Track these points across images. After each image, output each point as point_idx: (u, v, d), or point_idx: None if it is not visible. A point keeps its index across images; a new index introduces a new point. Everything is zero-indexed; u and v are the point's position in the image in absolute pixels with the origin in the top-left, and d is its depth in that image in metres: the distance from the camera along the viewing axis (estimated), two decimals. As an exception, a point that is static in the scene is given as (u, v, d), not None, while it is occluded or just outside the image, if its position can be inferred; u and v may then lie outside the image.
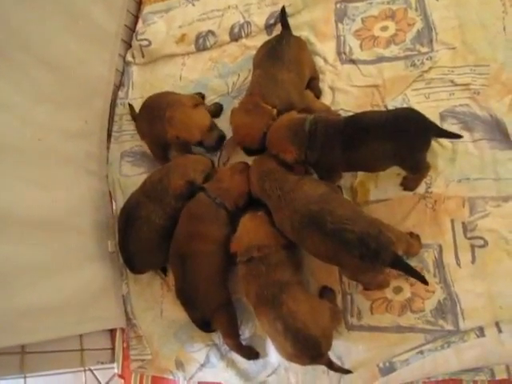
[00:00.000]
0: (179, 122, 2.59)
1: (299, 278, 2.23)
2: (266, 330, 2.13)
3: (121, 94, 3.20)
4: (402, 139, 2.05)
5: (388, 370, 2.16)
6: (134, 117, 2.99)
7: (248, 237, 2.27)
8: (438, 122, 2.34)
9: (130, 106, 3.07)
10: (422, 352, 2.12)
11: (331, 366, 2.03)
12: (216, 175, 2.50)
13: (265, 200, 2.26)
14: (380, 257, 1.90)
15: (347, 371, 2.09)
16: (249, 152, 2.52)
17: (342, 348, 2.28)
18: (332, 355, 2.16)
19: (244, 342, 2.43)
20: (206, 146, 2.69)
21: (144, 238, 2.49)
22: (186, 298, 2.36)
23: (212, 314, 2.33)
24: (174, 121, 2.59)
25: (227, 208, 2.40)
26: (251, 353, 2.40)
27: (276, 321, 2.01)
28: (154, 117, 2.68)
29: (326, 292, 2.32)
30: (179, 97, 2.73)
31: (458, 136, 2.15)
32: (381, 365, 2.18)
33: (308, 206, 2.06)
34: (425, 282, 1.97)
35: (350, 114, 2.48)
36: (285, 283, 2.10)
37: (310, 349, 1.97)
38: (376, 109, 2.49)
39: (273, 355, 2.39)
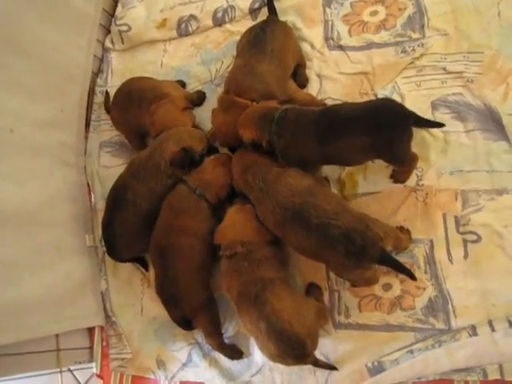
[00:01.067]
0: (162, 120, 2.49)
1: (284, 274, 2.15)
2: (249, 328, 2.05)
3: (99, 81, 3.09)
4: (380, 132, 1.96)
5: (377, 369, 2.08)
6: (108, 108, 2.88)
7: (233, 230, 2.20)
8: (429, 111, 2.28)
9: (107, 93, 2.96)
10: (411, 351, 2.05)
11: (317, 363, 1.97)
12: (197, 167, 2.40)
13: (247, 193, 2.18)
14: (367, 253, 1.83)
15: (333, 367, 2.04)
16: (234, 150, 2.43)
17: (329, 347, 2.20)
18: (319, 354, 2.10)
19: (227, 341, 2.36)
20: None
21: (129, 221, 2.40)
22: (167, 295, 2.25)
23: (193, 312, 2.24)
24: (157, 118, 2.49)
25: (208, 200, 2.30)
26: (235, 352, 2.32)
27: (259, 320, 1.93)
28: (133, 103, 2.58)
29: (312, 289, 2.23)
30: (170, 91, 2.59)
31: (440, 125, 2.07)
32: (369, 364, 2.10)
33: (291, 198, 1.98)
34: (413, 277, 1.90)
35: (338, 102, 2.41)
36: (268, 281, 2.02)
37: (294, 349, 1.89)
38: (365, 97, 2.40)
39: (257, 354, 2.31)
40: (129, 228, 2.41)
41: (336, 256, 1.87)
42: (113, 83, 3.04)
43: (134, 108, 2.57)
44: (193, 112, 2.68)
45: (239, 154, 2.31)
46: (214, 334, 2.28)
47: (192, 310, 2.23)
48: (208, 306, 2.27)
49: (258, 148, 2.20)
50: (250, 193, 2.17)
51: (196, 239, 2.25)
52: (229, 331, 2.39)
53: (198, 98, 2.76)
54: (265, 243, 2.15)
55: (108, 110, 2.87)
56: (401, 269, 1.90)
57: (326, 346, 2.19)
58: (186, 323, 2.28)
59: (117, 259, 2.56)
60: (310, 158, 2.14)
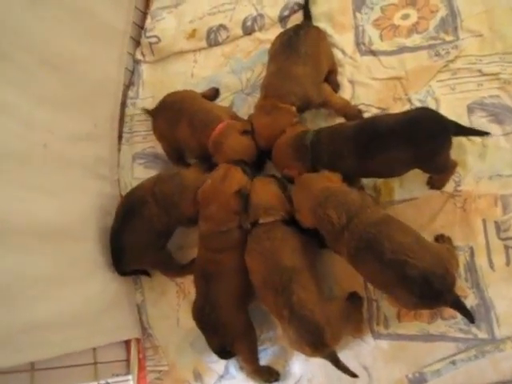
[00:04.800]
0: (231, 150, 2.41)
1: (308, 262, 2.08)
2: (271, 312, 2.08)
3: (131, 93, 3.08)
4: (420, 144, 1.93)
5: (418, 380, 2.04)
6: (152, 113, 2.81)
7: (256, 197, 2.21)
8: (465, 115, 2.23)
9: (144, 109, 2.91)
10: (454, 362, 2.00)
11: (337, 363, 1.91)
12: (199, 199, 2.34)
13: (322, 229, 2.03)
14: (442, 298, 1.77)
15: (354, 374, 1.93)
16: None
17: (368, 358, 2.15)
18: (358, 365, 2.09)
19: (264, 353, 2.33)
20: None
21: (140, 234, 2.40)
22: (206, 321, 2.21)
23: (232, 339, 2.19)
24: (223, 149, 2.41)
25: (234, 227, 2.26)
26: (270, 375, 2.29)
27: (284, 308, 1.94)
28: (181, 121, 2.54)
29: (352, 299, 2.17)
30: (223, 114, 2.53)
31: (483, 133, 2.03)
32: (410, 375, 2.06)
33: (366, 228, 1.88)
34: (473, 321, 1.82)
35: (372, 108, 2.40)
36: (294, 271, 1.99)
37: (311, 335, 1.88)
38: (399, 102, 2.36)
39: (295, 366, 2.28)
40: (139, 242, 2.42)
41: (409, 295, 1.79)
42: (144, 95, 3.05)
43: (183, 126, 2.53)
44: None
45: (305, 182, 2.13)
46: (251, 360, 2.25)
47: (231, 336, 2.19)
48: (247, 331, 2.23)
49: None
50: (328, 229, 1.99)
51: (236, 266, 2.21)
52: (265, 344, 2.35)
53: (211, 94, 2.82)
54: (286, 213, 2.15)
55: (152, 115, 2.81)
56: (466, 314, 1.81)
57: (366, 357, 2.15)
58: (225, 352, 2.22)
59: (120, 271, 2.54)
60: (350, 174, 2.11)
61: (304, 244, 2.13)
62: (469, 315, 1.80)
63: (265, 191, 2.24)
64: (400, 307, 2.05)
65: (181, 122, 2.53)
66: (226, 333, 2.17)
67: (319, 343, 1.88)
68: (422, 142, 1.93)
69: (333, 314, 1.95)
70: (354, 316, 2.11)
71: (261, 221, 2.16)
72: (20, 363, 1.96)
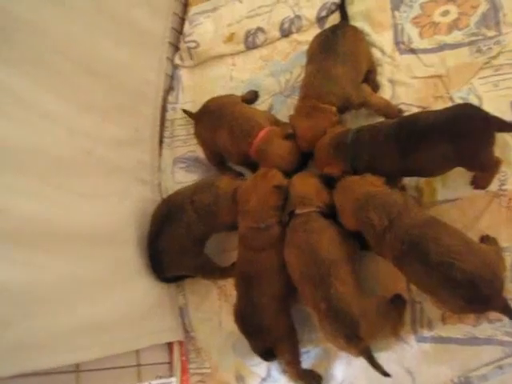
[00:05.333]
0: (276, 157, 2.41)
1: (345, 253, 2.07)
2: (308, 305, 2.08)
3: (171, 98, 3.11)
4: (462, 140, 1.88)
5: (464, 385, 1.99)
6: (194, 118, 2.84)
7: (293, 189, 2.23)
8: (509, 112, 2.14)
9: (184, 110, 2.97)
10: (500, 367, 1.94)
11: (371, 359, 1.89)
12: (237, 197, 2.35)
13: (365, 232, 2.02)
14: (491, 304, 1.73)
15: (386, 373, 1.89)
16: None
17: (412, 361, 2.11)
18: (401, 368, 2.08)
19: (307, 355, 2.32)
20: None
21: (178, 239, 2.43)
22: (249, 324, 2.21)
23: (276, 342, 2.18)
24: (267, 157, 2.42)
25: (274, 223, 2.25)
26: (313, 378, 2.27)
27: (321, 301, 1.93)
28: (221, 127, 2.56)
29: (395, 300, 2.13)
30: (263, 120, 2.53)
31: None
32: (456, 380, 2.01)
33: (410, 230, 1.85)
34: None
35: (412, 107, 2.35)
36: (332, 263, 1.98)
37: (346, 327, 1.87)
38: (440, 101, 2.31)
39: (338, 368, 2.27)
40: (176, 247, 2.44)
41: (455, 299, 1.76)
42: (184, 99, 3.08)
43: (223, 132, 2.54)
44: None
45: (344, 187, 2.13)
46: (294, 363, 2.24)
47: (275, 339, 2.17)
48: (289, 334, 2.22)
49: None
50: (370, 232, 1.99)
51: (276, 265, 2.21)
52: (307, 346, 2.33)
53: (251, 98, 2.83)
54: (324, 205, 2.15)
55: (194, 119, 2.84)
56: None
57: (409, 360, 2.11)
58: (268, 354, 2.22)
59: (160, 276, 2.58)
60: (390, 173, 2.08)
61: (342, 236, 2.11)
62: None
63: (302, 183, 2.25)
64: (447, 311, 2.01)
65: (221, 129, 2.55)
66: (268, 336, 2.16)
67: (353, 336, 1.87)
68: (463, 138, 1.88)
69: (370, 309, 1.93)
70: (393, 315, 2.08)
71: (297, 211, 2.16)
72: (65, 364, 1.99)
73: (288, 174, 2.37)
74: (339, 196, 2.13)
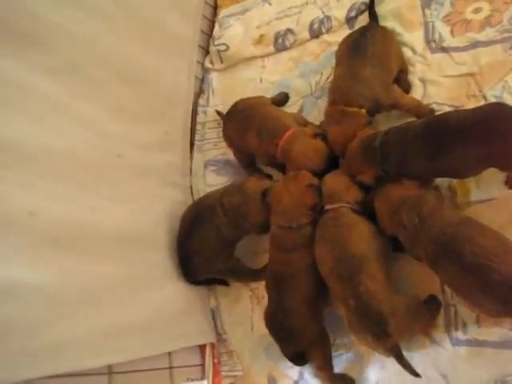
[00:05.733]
0: (301, 156, 2.38)
1: (376, 249, 2.04)
2: (338, 301, 2.08)
3: (201, 101, 3.13)
4: (493, 140, 1.82)
5: (502, 389, 1.94)
6: (223, 118, 2.84)
7: (324, 186, 2.24)
8: (544, 109, 2.10)
9: (218, 112, 2.97)
10: (538, 371, 1.89)
11: (399, 358, 1.86)
12: (270, 198, 2.34)
13: (399, 234, 2.02)
14: None
15: (416, 373, 1.86)
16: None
17: (446, 365, 2.06)
18: (435, 372, 2.04)
19: (339, 359, 2.30)
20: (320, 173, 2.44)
21: (207, 241, 2.43)
22: (280, 328, 2.18)
23: (307, 346, 2.15)
24: (294, 156, 2.39)
25: (306, 223, 2.23)
26: (345, 383, 2.25)
27: (350, 298, 1.92)
28: (250, 129, 2.54)
29: (429, 301, 2.09)
30: (292, 123, 2.51)
31: None
32: (493, 384, 1.97)
33: (443, 229, 1.82)
34: None
35: (444, 107, 2.30)
36: (362, 259, 1.96)
37: (374, 323, 1.85)
38: (473, 100, 2.26)
39: (371, 372, 2.23)
40: (206, 248, 2.44)
41: (492, 303, 1.71)
42: (214, 102, 3.09)
43: (251, 133, 2.53)
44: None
45: (380, 192, 2.13)
46: (326, 368, 2.21)
47: (307, 344, 2.14)
48: (321, 338, 2.19)
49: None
50: (402, 233, 1.99)
51: (308, 266, 2.19)
52: (340, 350, 2.31)
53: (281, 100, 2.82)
54: (354, 202, 2.15)
55: (224, 120, 2.84)
56: None
57: (444, 364, 2.07)
58: (299, 359, 2.17)
59: (190, 279, 2.58)
60: (420, 174, 2.05)
61: (374, 233, 2.09)
62: None
63: (333, 180, 2.25)
64: (482, 314, 1.97)
65: (250, 130, 2.54)
66: (300, 340, 2.14)
67: (382, 333, 1.84)
68: (496, 138, 1.82)
69: (400, 308, 1.90)
70: (425, 316, 2.04)
71: (326, 207, 2.17)
72: (98, 366, 2.01)
73: (319, 175, 2.35)
74: (377, 202, 2.12)
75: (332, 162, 2.45)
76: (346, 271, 1.97)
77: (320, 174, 2.36)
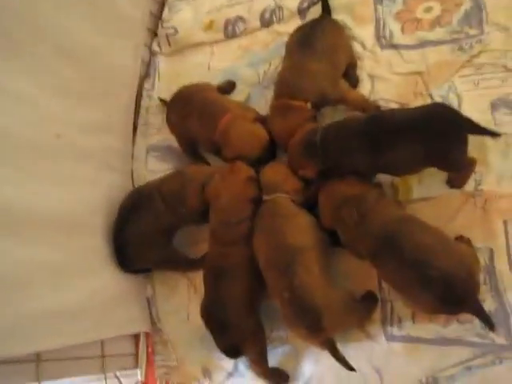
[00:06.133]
0: (238, 140, 2.35)
1: (314, 242, 2.03)
2: (272, 294, 2.04)
3: (147, 85, 3.05)
4: (433, 140, 1.86)
5: (432, 386, 1.96)
6: (166, 105, 2.78)
7: (262, 177, 2.23)
8: (488, 111, 2.14)
9: (161, 99, 2.91)
10: (469, 368, 1.91)
11: (334, 351, 1.86)
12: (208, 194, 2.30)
13: (340, 230, 2.03)
14: (464, 304, 1.70)
15: (351, 367, 1.86)
16: None
17: (380, 360, 2.08)
18: (369, 366, 2.05)
19: (274, 352, 2.28)
20: (261, 161, 2.40)
21: (144, 230, 2.38)
22: (215, 320, 2.14)
23: (242, 339, 2.11)
24: (231, 139, 2.36)
25: (246, 217, 2.21)
26: (280, 377, 2.24)
27: (285, 290, 1.90)
28: (191, 114, 2.50)
29: (366, 299, 2.11)
30: (233, 106, 2.49)
31: (496, 134, 1.92)
32: (423, 380, 1.99)
33: (384, 225, 1.84)
34: (493, 328, 1.74)
35: (391, 103, 2.32)
36: (298, 251, 1.95)
37: (309, 318, 1.84)
38: (419, 98, 2.28)
39: (305, 365, 2.22)
40: (142, 237, 2.39)
41: (429, 299, 1.73)
42: (160, 87, 3.01)
43: (192, 118, 2.49)
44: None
45: (325, 189, 2.12)
46: (261, 361, 2.19)
47: (241, 337, 2.11)
48: (257, 332, 2.17)
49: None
50: (343, 230, 2.01)
51: (247, 260, 2.16)
52: (275, 342, 2.29)
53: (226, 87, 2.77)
54: (293, 192, 2.14)
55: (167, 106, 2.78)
56: (489, 323, 1.73)
57: (378, 359, 2.08)
58: (233, 351, 2.13)
59: (125, 268, 2.50)
60: (361, 169, 2.05)
61: (312, 225, 2.09)
62: (491, 324, 1.72)
63: (271, 171, 2.24)
64: (418, 311, 1.99)
65: (191, 115, 2.50)
66: (234, 333, 2.10)
67: (316, 327, 1.83)
68: (434, 138, 1.85)
69: (335, 302, 1.90)
70: (361, 310, 2.05)
71: (264, 197, 2.15)
72: (26, 353, 1.94)
73: (258, 164, 2.33)
74: (320, 196, 2.12)
75: (271, 151, 2.43)
76: (281, 262, 1.95)
77: (259, 163, 2.34)
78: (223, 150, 2.40)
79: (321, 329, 1.83)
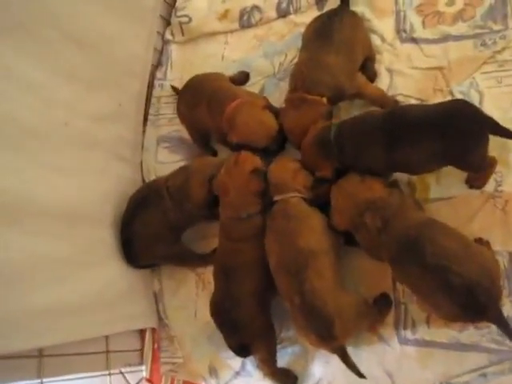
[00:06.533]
0: (245, 126, 2.28)
1: (327, 246, 1.97)
2: (283, 296, 1.99)
3: (159, 74, 2.99)
4: (452, 139, 1.78)
5: (445, 391, 1.91)
6: (178, 94, 2.74)
7: (271, 175, 2.14)
8: (511, 110, 2.06)
9: (173, 87, 2.85)
10: (484, 375, 1.86)
11: (345, 359, 1.83)
12: (215, 189, 2.25)
13: (357, 233, 1.96)
14: (486, 313, 1.63)
15: (361, 374, 1.82)
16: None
17: (393, 364, 2.03)
18: (381, 370, 2.01)
19: (284, 352, 2.23)
20: (268, 150, 2.36)
21: (151, 226, 2.34)
22: (226, 318, 2.10)
23: (253, 338, 2.07)
24: (237, 124, 2.29)
25: (256, 212, 2.16)
26: (288, 379, 2.19)
27: (295, 294, 1.86)
28: (201, 102, 2.45)
29: (380, 301, 2.05)
30: (242, 93, 2.44)
31: None
32: (437, 385, 1.93)
33: (406, 231, 1.78)
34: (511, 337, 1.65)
35: (410, 99, 2.26)
36: (311, 254, 1.89)
37: (320, 324, 1.80)
38: (439, 94, 2.22)
39: (315, 367, 2.18)
40: (150, 232, 2.35)
41: (450, 305, 1.66)
42: (172, 76, 2.96)
43: (202, 107, 2.44)
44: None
45: (342, 191, 2.03)
46: (269, 362, 2.14)
47: (252, 336, 2.06)
48: (267, 331, 2.12)
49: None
50: (363, 235, 1.93)
51: (258, 257, 2.10)
52: (285, 342, 2.24)
53: (240, 78, 2.71)
54: (305, 191, 2.07)
55: (178, 95, 2.74)
56: (506, 328, 1.65)
57: (390, 363, 2.03)
58: (243, 350, 2.10)
59: (132, 263, 2.46)
60: (378, 167, 1.98)
61: (325, 226, 2.02)
62: (510, 333, 1.64)
63: (278, 169, 2.15)
64: (438, 317, 1.91)
65: (201, 104, 2.45)
66: (244, 332, 2.06)
67: (327, 335, 1.80)
68: (453, 137, 1.79)
69: (347, 307, 1.85)
70: (374, 315, 1.99)
71: (275, 198, 2.08)
72: (29, 348, 1.90)
73: (265, 153, 2.28)
74: (338, 197, 2.03)
75: (279, 142, 2.37)
76: (292, 266, 1.90)
77: (266, 153, 2.29)
78: (228, 135, 2.32)
79: (332, 336, 1.79)
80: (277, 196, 2.08)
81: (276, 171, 2.15)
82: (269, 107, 2.37)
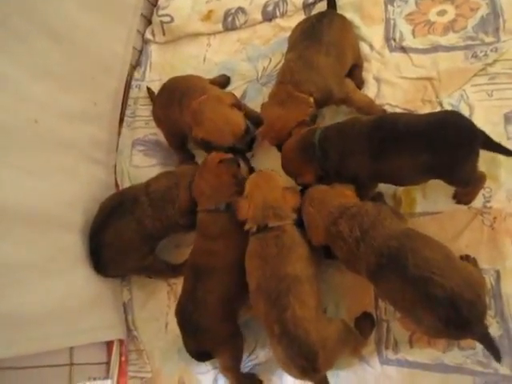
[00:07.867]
0: (210, 122, 2.21)
1: (312, 272, 1.87)
2: (261, 321, 1.86)
3: (137, 74, 2.92)
4: (441, 151, 1.73)
5: (427, 416, 1.83)
6: (153, 100, 2.67)
7: (261, 195, 1.98)
8: (501, 124, 2.03)
9: (148, 89, 2.78)
10: (469, 399, 1.79)
11: None
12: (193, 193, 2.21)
13: (334, 246, 1.86)
14: (470, 328, 1.56)
15: None
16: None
17: (372, 385, 1.96)
18: None
19: (258, 367, 2.15)
20: (234, 150, 2.28)
21: (124, 235, 2.23)
22: (188, 319, 2.01)
23: (215, 346, 2.00)
24: (202, 119, 2.22)
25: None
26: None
27: (275, 322, 1.73)
28: (173, 102, 2.37)
29: (362, 320, 1.97)
30: (212, 89, 2.37)
31: (510, 153, 1.81)
32: (418, 409, 1.86)
33: (387, 241, 1.69)
34: (499, 359, 1.60)
35: (398, 109, 2.20)
36: (294, 280, 1.79)
37: (303, 358, 1.67)
38: (428, 105, 2.18)
39: (288, 383, 2.07)
40: (122, 243, 2.24)
41: (432, 319, 1.58)
42: (151, 77, 2.89)
43: (174, 106, 2.37)
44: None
45: (312, 201, 1.95)
46: (233, 369, 2.07)
47: (213, 341, 1.99)
48: (233, 340, 2.04)
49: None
50: (340, 246, 1.82)
51: (229, 262, 2.04)
52: (259, 357, 2.16)
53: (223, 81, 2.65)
54: (294, 212, 1.95)
55: (153, 102, 2.67)
56: (494, 351, 1.59)
57: (370, 383, 1.95)
58: (201, 355, 2.03)
59: (100, 273, 2.34)
60: (363, 175, 1.91)
61: (310, 253, 1.92)
62: (496, 353, 1.58)
63: (271, 188, 2.01)
64: (419, 333, 1.85)
65: (173, 104, 2.37)
66: (206, 336, 1.98)
67: (310, 368, 1.68)
68: (442, 148, 1.73)
69: (330, 336, 1.74)
70: (356, 338, 1.90)
71: (270, 225, 1.93)
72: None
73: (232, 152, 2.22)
74: (310, 209, 1.94)
75: (246, 143, 2.30)
76: (274, 290, 1.79)
77: (233, 153, 2.23)
78: (193, 131, 2.24)
79: (315, 370, 1.68)
80: (272, 222, 1.94)
81: (268, 192, 2.01)
82: (237, 105, 2.29)
